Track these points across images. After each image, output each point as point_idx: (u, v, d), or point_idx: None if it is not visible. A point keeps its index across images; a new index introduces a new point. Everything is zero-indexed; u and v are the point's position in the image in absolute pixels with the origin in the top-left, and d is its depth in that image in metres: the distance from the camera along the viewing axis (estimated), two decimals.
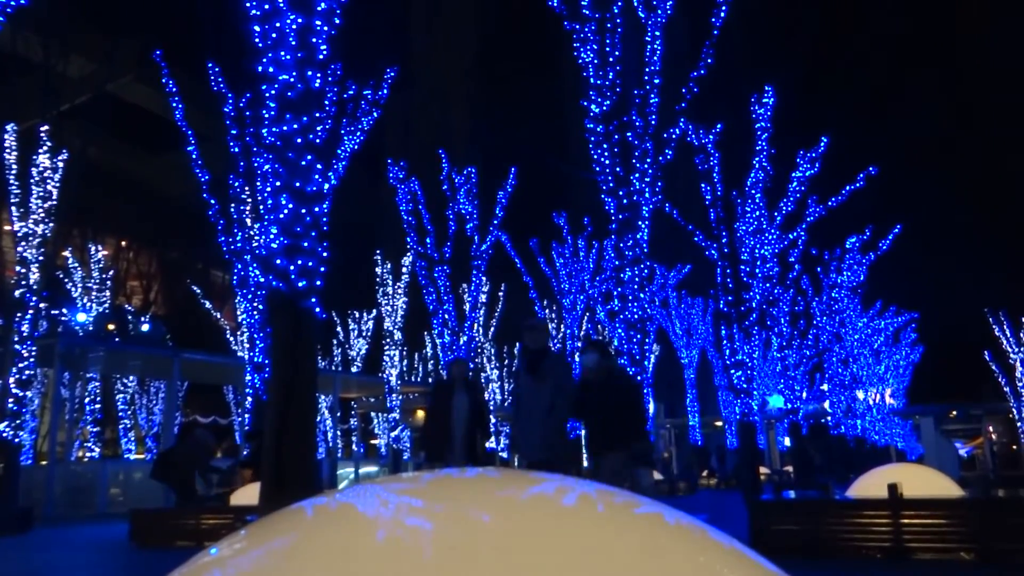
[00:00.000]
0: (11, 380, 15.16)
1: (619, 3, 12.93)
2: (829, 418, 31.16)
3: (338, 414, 32.11)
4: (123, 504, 17.50)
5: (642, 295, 12.88)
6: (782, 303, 21.45)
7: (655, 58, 13.05)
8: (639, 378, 12.56)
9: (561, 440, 7.24)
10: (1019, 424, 35.51)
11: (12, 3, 8.87)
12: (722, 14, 13.48)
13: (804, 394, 25.42)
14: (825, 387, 32.17)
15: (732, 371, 17.53)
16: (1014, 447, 38.99)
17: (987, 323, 35.48)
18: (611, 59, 12.86)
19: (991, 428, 40.49)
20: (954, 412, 38.60)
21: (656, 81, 13.02)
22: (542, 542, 0.86)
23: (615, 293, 13.29)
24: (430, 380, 33.24)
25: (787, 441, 29.22)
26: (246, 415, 17.42)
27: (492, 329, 33.63)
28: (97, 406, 26.80)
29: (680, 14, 13.24)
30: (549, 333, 8.29)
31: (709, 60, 13.21)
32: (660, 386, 35.17)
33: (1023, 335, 35.20)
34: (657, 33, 13.08)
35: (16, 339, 15.34)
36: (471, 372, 9.33)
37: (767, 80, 17.74)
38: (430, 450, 8.58)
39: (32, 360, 15.71)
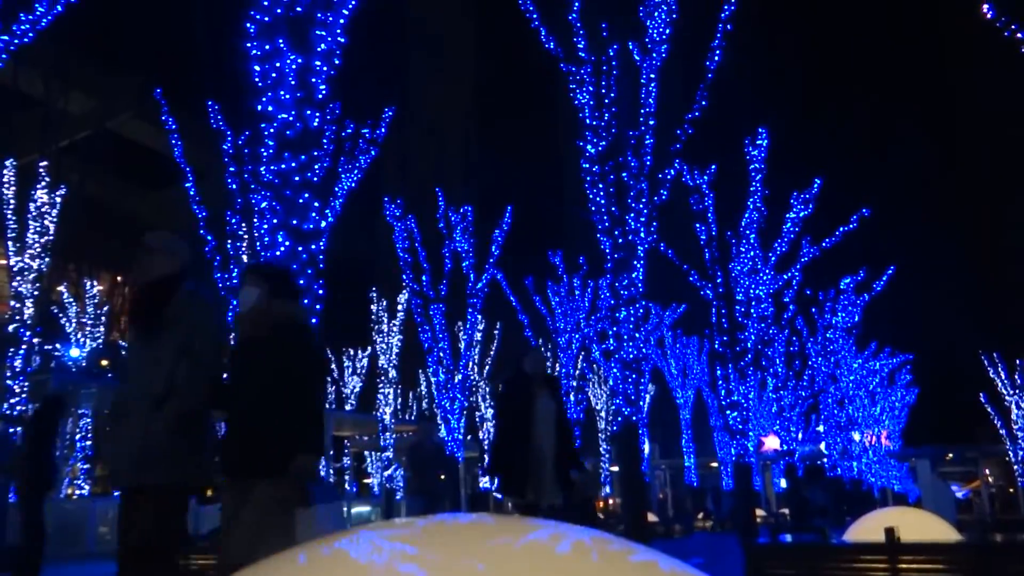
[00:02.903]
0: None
1: (615, 46, 13.15)
2: (825, 460, 31.02)
3: (331, 452, 31.85)
4: (112, 543, 17.25)
5: (637, 335, 12.89)
6: (777, 343, 21.47)
7: (650, 100, 13.22)
8: (634, 418, 12.51)
9: (184, 450, 3.76)
10: (1015, 467, 35.38)
11: (16, 41, 8.96)
12: (716, 57, 13.69)
13: (800, 435, 25.30)
14: (821, 428, 32.05)
15: (728, 412, 17.48)
16: (1011, 490, 38.80)
17: (982, 365, 35.49)
18: (607, 100, 13.04)
19: (987, 471, 40.34)
20: (950, 455, 38.44)
21: (651, 122, 13.17)
22: None
23: (610, 332, 13.30)
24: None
25: (783, 483, 29.05)
26: None
27: (487, 367, 33.52)
28: (88, 443, 26.54)
29: (675, 56, 13.45)
30: (184, 254, 4.09)
31: (703, 102, 13.39)
32: (655, 426, 35.08)
33: (1018, 377, 35.17)
34: (652, 75, 13.27)
35: (8, 375, 15.26)
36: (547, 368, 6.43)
37: (761, 122, 17.97)
38: (508, 480, 6.00)
39: (24, 396, 15.61)
